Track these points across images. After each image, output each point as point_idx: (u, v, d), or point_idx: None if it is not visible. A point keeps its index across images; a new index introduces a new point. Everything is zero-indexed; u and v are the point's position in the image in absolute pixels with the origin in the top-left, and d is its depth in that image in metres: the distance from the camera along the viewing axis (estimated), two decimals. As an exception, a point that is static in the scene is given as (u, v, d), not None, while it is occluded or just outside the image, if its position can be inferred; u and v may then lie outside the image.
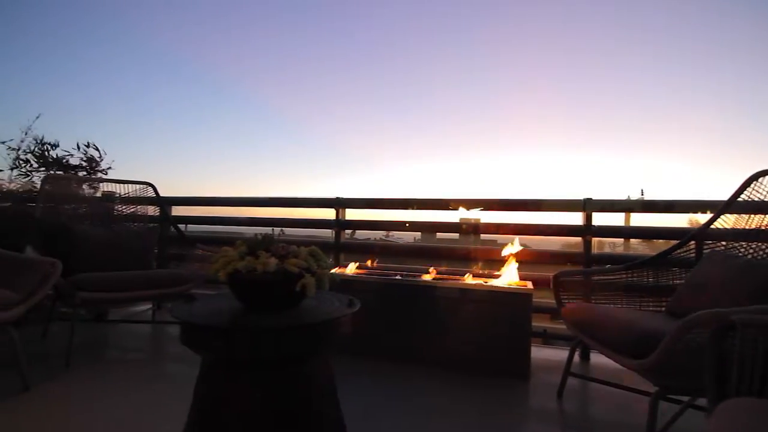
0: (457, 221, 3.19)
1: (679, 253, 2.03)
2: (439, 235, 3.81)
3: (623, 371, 1.62)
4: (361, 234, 3.82)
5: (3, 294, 1.85)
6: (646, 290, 2.06)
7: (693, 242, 2.01)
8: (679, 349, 1.23)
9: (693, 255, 2.00)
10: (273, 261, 1.29)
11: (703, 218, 2.57)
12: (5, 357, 1.92)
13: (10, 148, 3.41)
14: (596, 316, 1.67)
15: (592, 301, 2.14)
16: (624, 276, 2.10)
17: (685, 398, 1.62)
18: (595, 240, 2.70)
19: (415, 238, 4.27)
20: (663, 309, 1.94)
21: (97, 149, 3.67)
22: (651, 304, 2.02)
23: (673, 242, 2.12)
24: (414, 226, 3.30)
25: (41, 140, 3.48)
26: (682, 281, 1.93)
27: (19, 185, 3.37)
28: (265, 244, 1.38)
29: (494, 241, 3.80)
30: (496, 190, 3.09)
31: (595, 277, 2.19)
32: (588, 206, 2.66)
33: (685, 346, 1.22)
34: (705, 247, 2.00)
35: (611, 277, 2.12)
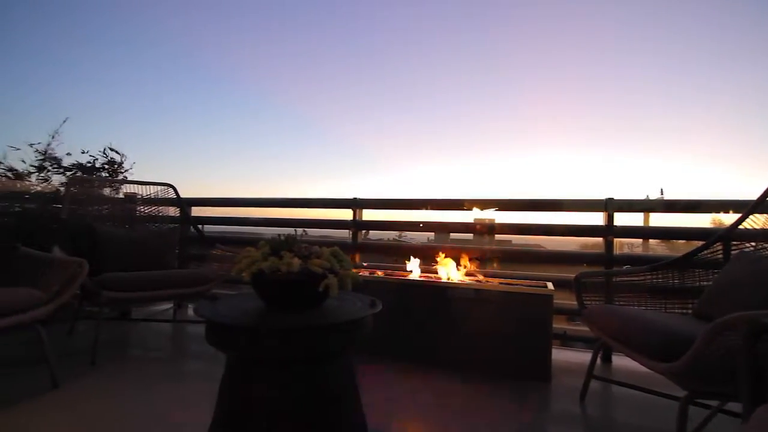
0: (472, 222, 3.18)
1: (706, 254, 1.98)
2: (453, 235, 3.80)
3: (647, 374, 1.59)
4: (374, 234, 3.82)
5: (33, 293, 1.90)
6: (671, 292, 2.01)
7: (720, 243, 1.96)
8: (709, 353, 1.20)
9: (720, 256, 1.95)
10: (297, 261, 1.30)
11: (726, 218, 2.52)
12: (35, 354, 1.97)
13: (37, 151, 3.50)
14: (621, 317, 1.64)
15: (615, 303, 2.11)
16: (648, 277, 2.06)
17: (714, 403, 1.59)
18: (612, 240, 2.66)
19: (428, 238, 4.26)
20: (689, 311, 1.90)
21: (117, 153, 3.75)
22: (676, 306, 1.97)
23: (697, 243, 2.08)
24: (428, 226, 3.29)
25: (45, 152, 3.55)
26: (709, 283, 1.89)
27: (44, 187, 3.47)
28: (288, 244, 1.39)
29: (509, 242, 3.77)
30: (510, 191, 3.08)
31: (618, 278, 2.16)
32: (610, 206, 2.62)
33: (716, 350, 1.19)
34: (733, 247, 1.95)
35: (634, 279, 2.08)
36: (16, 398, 1.80)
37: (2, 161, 3.41)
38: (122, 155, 3.77)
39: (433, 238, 4.21)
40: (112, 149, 3.74)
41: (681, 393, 1.34)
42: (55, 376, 1.93)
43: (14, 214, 3.13)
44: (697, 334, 1.24)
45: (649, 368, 1.42)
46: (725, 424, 1.59)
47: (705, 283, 1.95)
